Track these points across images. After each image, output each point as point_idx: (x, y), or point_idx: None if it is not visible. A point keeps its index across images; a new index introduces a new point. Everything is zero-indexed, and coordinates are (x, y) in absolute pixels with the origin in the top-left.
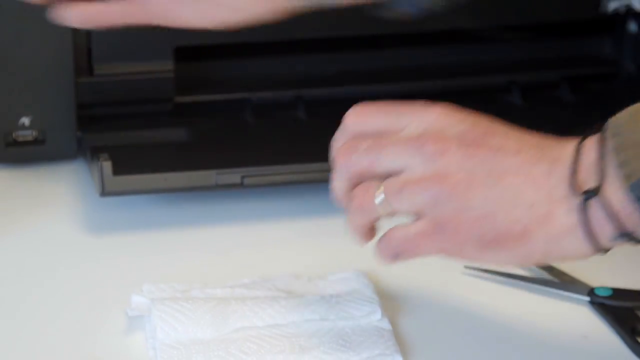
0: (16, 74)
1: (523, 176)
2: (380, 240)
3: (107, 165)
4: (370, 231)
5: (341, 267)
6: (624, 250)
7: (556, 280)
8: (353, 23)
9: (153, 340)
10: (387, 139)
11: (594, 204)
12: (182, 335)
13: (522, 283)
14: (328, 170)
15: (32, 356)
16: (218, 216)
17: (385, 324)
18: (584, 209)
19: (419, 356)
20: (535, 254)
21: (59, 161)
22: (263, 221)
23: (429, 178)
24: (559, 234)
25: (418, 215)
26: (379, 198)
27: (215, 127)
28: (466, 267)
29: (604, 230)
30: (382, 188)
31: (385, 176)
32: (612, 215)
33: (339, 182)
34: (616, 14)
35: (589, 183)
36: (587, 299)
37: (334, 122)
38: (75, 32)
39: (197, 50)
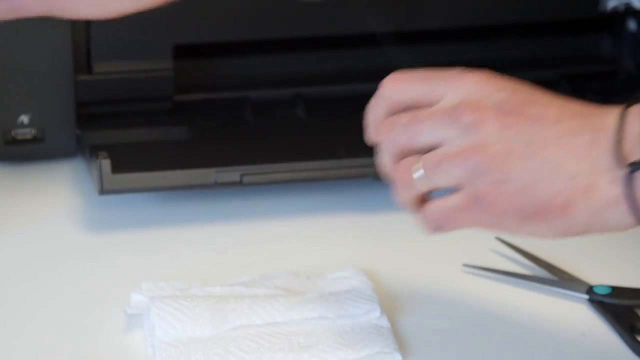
0: (15, 72)
1: (564, 147)
2: (423, 212)
3: (106, 164)
4: (421, 203)
5: (340, 265)
6: (623, 248)
7: (555, 278)
8: (353, 21)
9: (152, 339)
10: (424, 112)
11: None
12: (181, 333)
13: (521, 281)
14: (327, 169)
15: (31, 354)
16: (217, 214)
17: (384, 322)
18: (629, 181)
19: (417, 354)
20: (576, 226)
21: (58, 159)
22: (262, 219)
23: (466, 150)
24: (602, 207)
25: (458, 189)
26: (418, 173)
27: (214, 125)
28: (465, 265)
29: None
30: (421, 163)
31: (426, 150)
32: None
33: (385, 158)
34: (615, 12)
35: (635, 154)
36: (586, 297)
37: (334, 120)
38: (74, 30)
39: (196, 48)
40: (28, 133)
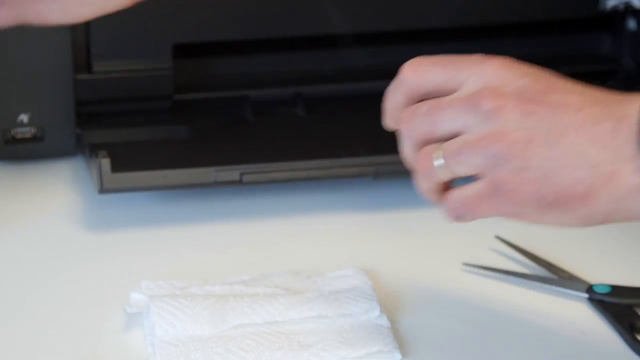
0: (15, 71)
1: (586, 135)
2: (443, 202)
3: (106, 162)
4: (443, 191)
5: (340, 264)
6: (623, 247)
7: (555, 277)
8: (353, 20)
9: (151, 337)
10: (444, 100)
11: None
12: (181, 332)
13: (521, 280)
14: (327, 168)
15: (31, 353)
16: (217, 213)
17: (384, 321)
18: None
19: (417, 353)
20: (598, 215)
21: (58, 158)
22: (262, 218)
23: (485, 138)
24: (624, 195)
25: (479, 177)
26: (438, 162)
27: (214, 124)
28: (465, 264)
29: None
30: (440, 151)
31: (448, 138)
32: None
33: (405, 147)
34: (615, 11)
35: None
36: (586, 295)
37: (333, 119)
38: (74, 29)
39: (196, 47)
40: (28, 132)
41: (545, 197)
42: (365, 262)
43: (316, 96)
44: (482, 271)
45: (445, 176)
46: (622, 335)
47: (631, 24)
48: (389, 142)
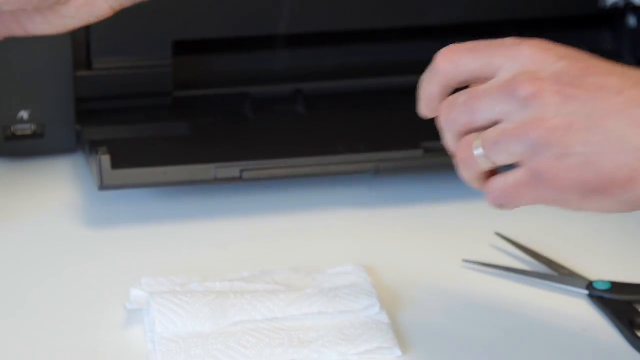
0: (15, 68)
1: (627, 118)
2: (484, 190)
3: (106, 159)
4: (486, 178)
5: (340, 260)
6: (623, 244)
7: (555, 273)
8: (352, 17)
9: (152, 334)
10: (481, 88)
11: None
12: (181, 328)
13: (520, 277)
14: (327, 164)
15: (31, 349)
16: (217, 210)
17: (384, 317)
18: None
19: (417, 349)
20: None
21: (58, 155)
22: (262, 215)
23: (524, 125)
24: None
25: (520, 164)
26: (478, 151)
27: (214, 121)
28: (465, 261)
29: None
30: (479, 140)
31: (488, 127)
32: None
33: (447, 138)
34: (615, 8)
35: None
36: (586, 292)
37: (333, 116)
38: None
39: (195, 44)
40: (27, 129)
41: (586, 183)
42: (365, 259)
43: (316, 93)
44: (482, 267)
45: (486, 165)
46: (621, 331)
47: (631, 20)
48: (388, 138)
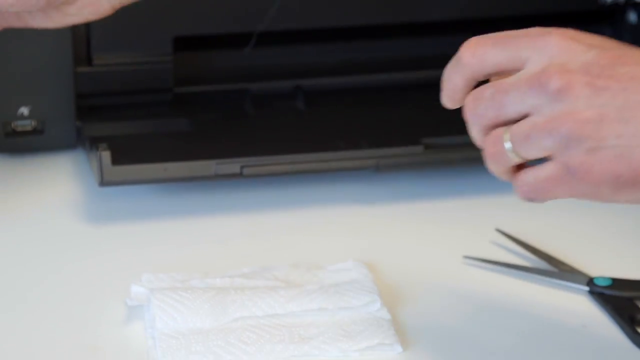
0: (15, 64)
1: None
2: (514, 183)
3: (106, 155)
4: (515, 171)
5: (340, 257)
6: (624, 240)
7: (555, 270)
8: (353, 13)
9: (152, 330)
10: (509, 81)
11: None
12: (181, 324)
13: (521, 273)
14: (327, 160)
15: (31, 346)
16: (217, 206)
17: (384, 314)
18: None
19: (418, 346)
20: None
21: (58, 151)
22: (262, 211)
23: (555, 119)
24: None
25: (550, 158)
26: (507, 146)
27: (214, 117)
28: (465, 257)
29: None
30: (508, 135)
31: (516, 120)
32: None
33: (473, 131)
34: (616, 4)
35: None
36: (587, 288)
37: (333, 112)
38: None
39: (196, 40)
40: (28, 125)
41: (620, 177)
42: (366, 255)
43: (316, 89)
44: (482, 264)
45: (515, 160)
46: (622, 327)
47: (632, 16)
48: (389, 134)
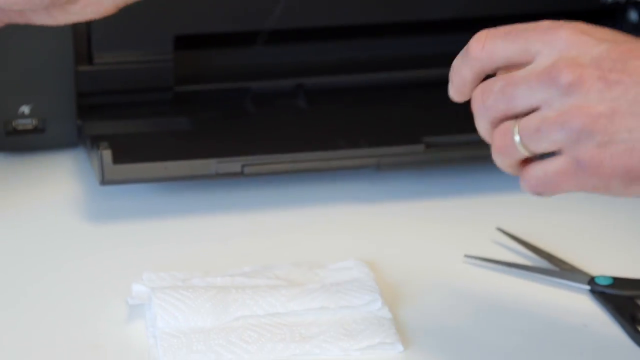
0: (16, 63)
1: None
2: (521, 177)
3: (107, 154)
4: (522, 164)
5: (341, 256)
6: (625, 239)
7: (556, 269)
8: (354, 12)
9: (153, 329)
10: (519, 75)
11: None
12: (183, 323)
13: (522, 272)
14: (328, 159)
15: (32, 344)
16: (218, 205)
17: (386, 313)
18: None
19: (419, 345)
20: None
21: (59, 150)
22: (263, 210)
23: (566, 113)
24: None
25: (559, 152)
26: (516, 139)
27: (215, 116)
28: (466, 256)
29: None
30: (517, 129)
31: (525, 114)
32: None
33: (480, 124)
34: (616, 3)
35: None
36: (588, 287)
37: (335, 111)
38: None
39: (197, 39)
40: (29, 123)
41: (631, 171)
42: (367, 254)
43: (317, 87)
44: (483, 263)
45: (523, 153)
46: (623, 327)
47: (632, 15)
48: (390, 133)
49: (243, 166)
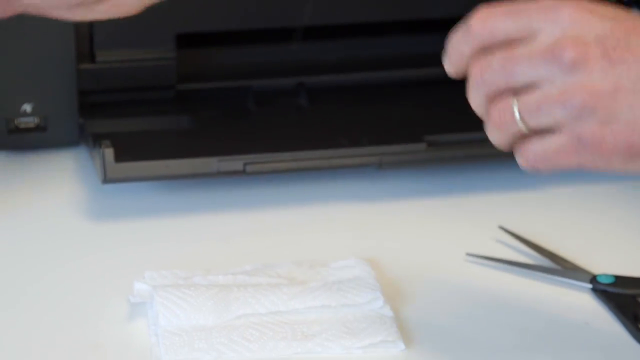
0: (18, 61)
1: None
2: (518, 152)
3: (109, 152)
4: (517, 140)
5: (343, 254)
6: (627, 237)
7: (558, 267)
8: (355, 10)
9: (155, 327)
10: (521, 51)
11: None
12: (184, 322)
13: (524, 270)
14: (330, 158)
15: (34, 343)
16: (220, 203)
17: (387, 311)
18: None
19: (420, 343)
20: None
21: (61, 148)
22: (265, 208)
23: (569, 90)
24: None
25: (557, 127)
26: (516, 115)
27: (217, 114)
28: (468, 254)
29: None
30: (516, 105)
31: (522, 90)
32: None
33: (475, 98)
34: (617, 2)
35: None
36: (590, 286)
37: (336, 109)
38: None
39: (199, 37)
40: (31, 122)
41: (632, 148)
42: (369, 252)
43: (319, 86)
44: (485, 261)
45: (522, 129)
46: (625, 325)
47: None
48: (391, 132)
49: (245, 164)
